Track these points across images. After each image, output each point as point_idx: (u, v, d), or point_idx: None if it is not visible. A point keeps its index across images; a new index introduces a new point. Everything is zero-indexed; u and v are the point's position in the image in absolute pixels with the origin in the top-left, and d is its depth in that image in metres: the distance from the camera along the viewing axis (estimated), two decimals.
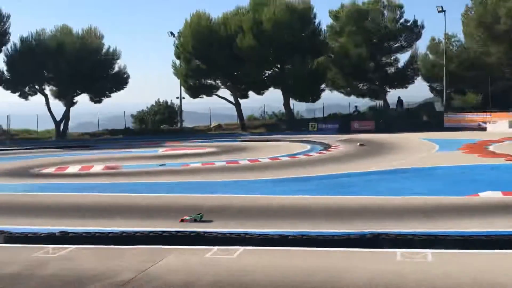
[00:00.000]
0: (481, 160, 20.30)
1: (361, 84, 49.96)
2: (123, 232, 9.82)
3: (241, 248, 8.64)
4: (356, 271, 7.25)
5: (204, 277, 7.28)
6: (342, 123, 44.73)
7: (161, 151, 30.07)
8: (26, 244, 9.53)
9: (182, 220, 10.66)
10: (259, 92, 49.08)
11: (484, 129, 38.40)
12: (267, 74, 47.58)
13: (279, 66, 46.24)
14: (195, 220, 10.65)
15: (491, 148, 24.68)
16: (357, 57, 45.84)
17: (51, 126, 45.19)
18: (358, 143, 28.67)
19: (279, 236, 9.14)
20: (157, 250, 8.75)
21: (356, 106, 48.49)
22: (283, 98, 47.11)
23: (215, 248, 8.67)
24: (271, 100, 51.10)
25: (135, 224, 10.67)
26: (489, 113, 39.64)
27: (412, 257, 7.84)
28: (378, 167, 19.05)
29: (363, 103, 51.11)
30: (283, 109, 48.91)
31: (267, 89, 48.78)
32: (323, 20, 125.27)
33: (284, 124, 47.55)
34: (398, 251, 8.15)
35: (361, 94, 50.22)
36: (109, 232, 9.83)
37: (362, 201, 12.75)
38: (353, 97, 50.31)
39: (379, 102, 50.28)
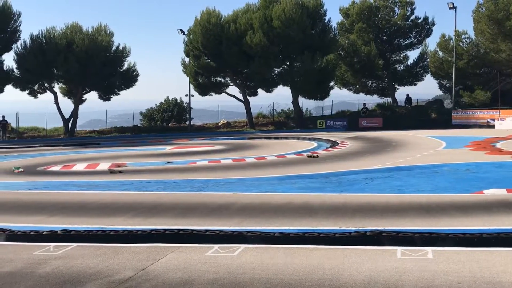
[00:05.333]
0: (488, 157, 20.20)
1: (370, 82, 50.11)
2: (124, 230, 9.83)
3: (242, 246, 8.62)
4: (355, 269, 7.22)
5: (204, 275, 7.27)
6: (350, 120, 44.71)
7: (168, 148, 30.11)
8: (28, 242, 9.57)
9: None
10: (268, 89, 49.04)
11: (493, 126, 38.27)
12: (276, 71, 47.44)
13: (288, 63, 46.11)
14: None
15: (498, 145, 24.57)
16: (367, 54, 45.83)
17: (60, 124, 45.34)
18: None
19: (281, 234, 9.12)
20: (158, 248, 8.74)
21: (364, 104, 48.36)
22: (292, 95, 47.00)
23: (216, 246, 8.67)
24: (280, 97, 51.10)
25: (138, 223, 10.70)
26: (498, 110, 39.47)
27: (412, 255, 7.78)
28: (383, 165, 19.00)
29: (372, 100, 51.06)
30: (291, 107, 48.81)
31: (276, 86, 48.72)
32: (333, 17, 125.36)
33: (293, 122, 47.54)
34: (399, 248, 8.11)
35: (369, 92, 50.36)
36: (111, 230, 9.83)
37: (365, 198, 12.66)
38: (361, 95, 50.40)
39: (387, 100, 50.25)
